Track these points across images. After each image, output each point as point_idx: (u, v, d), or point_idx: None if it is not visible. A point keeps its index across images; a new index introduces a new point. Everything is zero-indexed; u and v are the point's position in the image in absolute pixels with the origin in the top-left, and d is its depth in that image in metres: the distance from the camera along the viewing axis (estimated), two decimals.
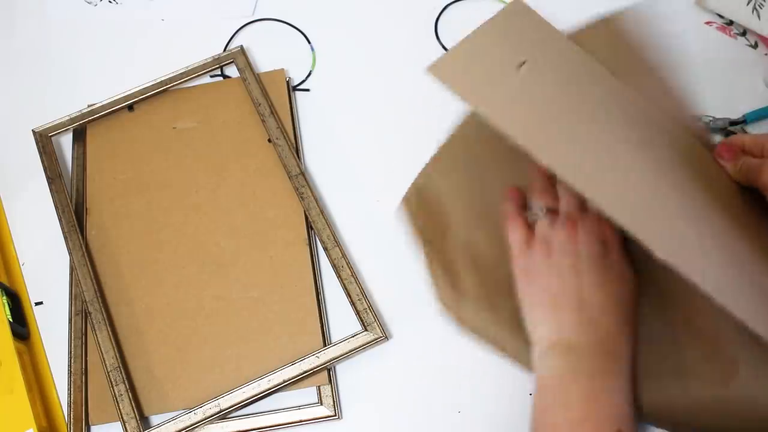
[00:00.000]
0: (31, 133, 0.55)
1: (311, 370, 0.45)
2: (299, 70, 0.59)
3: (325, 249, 0.49)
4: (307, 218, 0.51)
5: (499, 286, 0.45)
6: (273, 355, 0.46)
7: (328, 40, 0.61)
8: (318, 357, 0.45)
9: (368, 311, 0.46)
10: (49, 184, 0.53)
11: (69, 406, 0.45)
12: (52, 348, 0.49)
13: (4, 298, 0.47)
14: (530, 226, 0.44)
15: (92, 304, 0.48)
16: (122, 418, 0.44)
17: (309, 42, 0.61)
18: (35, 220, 0.53)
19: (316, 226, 0.50)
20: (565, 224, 0.43)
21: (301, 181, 0.51)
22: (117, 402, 0.45)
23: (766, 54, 0.58)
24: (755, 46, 0.58)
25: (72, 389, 0.46)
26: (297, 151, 0.54)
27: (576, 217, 0.43)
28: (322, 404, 0.45)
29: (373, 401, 0.46)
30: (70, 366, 0.47)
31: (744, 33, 0.59)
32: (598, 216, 0.43)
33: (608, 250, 0.43)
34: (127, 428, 0.44)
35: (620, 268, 0.42)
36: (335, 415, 0.45)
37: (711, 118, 0.54)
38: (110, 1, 0.64)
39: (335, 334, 0.48)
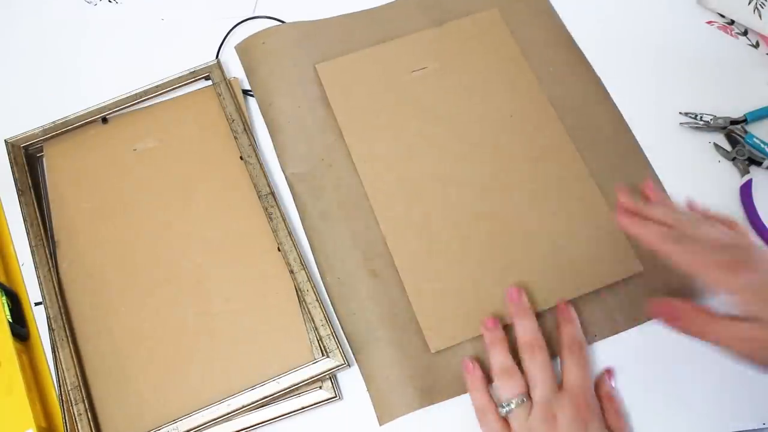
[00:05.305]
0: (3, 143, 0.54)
1: (272, 395, 0.44)
2: None
3: (291, 272, 0.48)
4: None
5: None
6: (262, 364, 0.46)
7: None
8: (278, 383, 0.45)
9: (331, 337, 0.46)
10: (19, 196, 0.52)
11: None
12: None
13: (4, 298, 0.47)
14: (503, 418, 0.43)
15: (56, 321, 0.47)
16: None
17: None
18: None
19: (282, 248, 0.49)
20: (545, 415, 0.41)
21: (270, 201, 0.50)
22: (75, 422, 0.44)
23: (767, 54, 0.58)
24: (756, 45, 0.58)
25: None
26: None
27: (552, 403, 0.42)
28: (321, 388, 0.45)
29: None
30: None
31: (745, 32, 0.59)
32: (574, 387, 0.43)
33: (590, 413, 0.42)
34: None
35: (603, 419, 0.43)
36: (336, 397, 0.45)
37: (711, 117, 0.54)
38: (110, 1, 0.64)
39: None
